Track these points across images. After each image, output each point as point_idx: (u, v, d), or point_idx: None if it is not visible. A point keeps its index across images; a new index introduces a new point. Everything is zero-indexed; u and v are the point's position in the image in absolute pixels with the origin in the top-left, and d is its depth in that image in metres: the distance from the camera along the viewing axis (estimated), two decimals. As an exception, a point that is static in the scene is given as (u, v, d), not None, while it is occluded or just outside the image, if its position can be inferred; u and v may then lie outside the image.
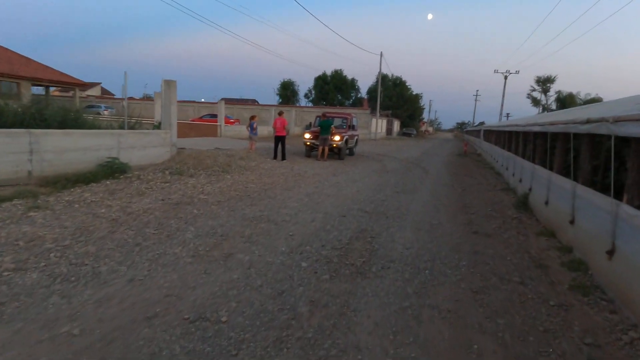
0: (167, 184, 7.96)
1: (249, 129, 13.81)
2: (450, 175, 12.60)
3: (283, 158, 13.48)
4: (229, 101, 59.62)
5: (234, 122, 31.87)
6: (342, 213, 6.48)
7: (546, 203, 6.16)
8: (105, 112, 31.46)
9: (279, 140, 13.54)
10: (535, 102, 69.12)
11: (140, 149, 9.77)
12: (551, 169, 6.21)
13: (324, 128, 14.34)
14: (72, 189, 6.81)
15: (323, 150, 14.52)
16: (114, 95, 65.07)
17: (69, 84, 28.89)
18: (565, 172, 5.79)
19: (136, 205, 6.09)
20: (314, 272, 4.00)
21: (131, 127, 10.50)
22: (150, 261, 3.99)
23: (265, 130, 24.87)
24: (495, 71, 41.88)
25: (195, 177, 9.00)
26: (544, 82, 67.25)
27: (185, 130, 23.82)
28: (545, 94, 67.76)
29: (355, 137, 17.31)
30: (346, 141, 15.30)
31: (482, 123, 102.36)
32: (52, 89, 32.47)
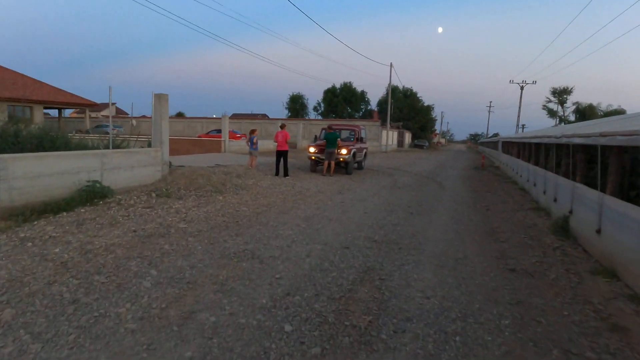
0: (149, 209, 6.98)
1: (249, 143, 12.87)
2: (470, 192, 11.38)
3: (285, 174, 12.47)
4: (237, 116, 59.76)
5: (240, 137, 31.19)
6: (345, 243, 5.37)
7: (598, 232, 4.96)
8: (114, 132, 31.24)
9: (281, 155, 12.55)
10: (552, 113, 67.29)
11: (127, 169, 8.87)
12: (603, 190, 5.01)
13: (329, 141, 13.33)
14: (36, 222, 5.86)
15: (329, 165, 13.48)
16: (127, 114, 66.05)
17: (80, 105, 28.76)
18: (624, 195, 4.61)
19: (101, 239, 5.09)
20: (301, 343, 2.89)
21: (117, 146, 9.65)
22: (80, 330, 2.93)
23: (271, 144, 24.04)
24: (511, 81, 40.66)
25: (183, 200, 8.03)
26: (560, 94, 65.57)
27: (188, 146, 23.14)
28: (562, 106, 66.10)
29: (364, 150, 16.25)
30: (354, 155, 14.24)
31: (496, 134, 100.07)
32: (70, 111, 32.59)
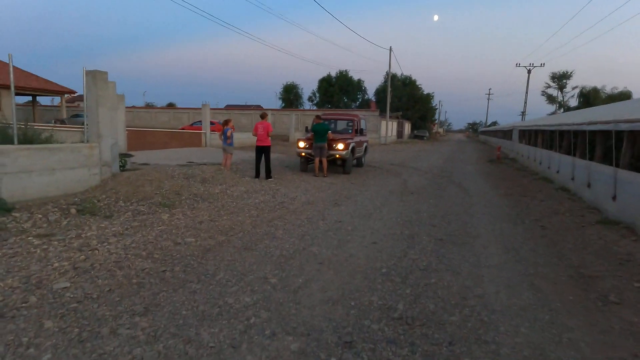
0: (44, 240, 4.48)
1: (222, 137, 10.32)
2: (502, 197, 8.92)
3: (268, 176, 9.96)
4: (231, 107, 56.88)
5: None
6: (345, 330, 2.88)
7: None
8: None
9: (262, 151, 10.03)
10: (551, 99, 65.16)
11: (43, 173, 6.37)
12: None
13: (318, 134, 10.81)
14: None
15: (320, 162, 10.98)
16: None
17: (55, 92, 25.82)
18: None
19: None
20: None
21: (28, 140, 7.07)
22: None
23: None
24: (518, 64, 38.08)
25: (112, 219, 5.54)
26: (560, 79, 63.44)
27: (166, 139, 20.50)
28: (562, 91, 64.15)
29: (364, 144, 13.73)
30: (352, 150, 11.74)
31: (494, 123, 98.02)
32: (58, 99, 29.34)
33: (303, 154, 11.54)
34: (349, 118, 13.22)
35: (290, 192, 8.39)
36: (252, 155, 15.51)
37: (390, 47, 33.32)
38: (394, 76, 52.66)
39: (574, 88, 62.35)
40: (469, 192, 9.38)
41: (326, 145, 10.97)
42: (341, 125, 12.97)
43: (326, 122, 11.67)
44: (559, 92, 64.10)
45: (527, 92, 37.80)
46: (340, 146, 11.17)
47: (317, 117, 11.26)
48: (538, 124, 14.54)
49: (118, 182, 7.47)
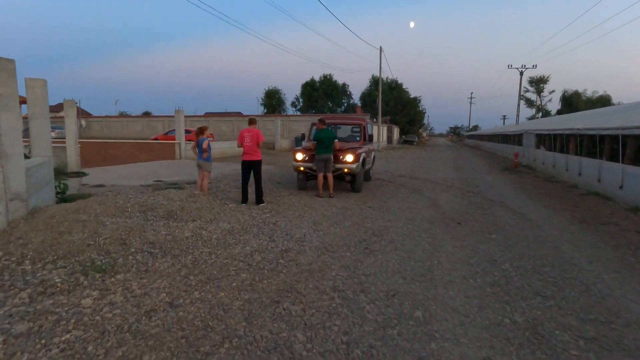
0: None
1: (196, 150, 7.75)
2: (577, 225, 6.70)
3: (259, 201, 7.47)
4: (210, 114, 53.57)
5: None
6: None
7: None
8: (52, 134, 25.24)
9: (250, 168, 7.55)
10: (530, 102, 65.47)
11: None
12: None
13: (322, 143, 8.43)
14: None
15: (324, 178, 8.58)
16: (91, 114, 58.81)
17: None
18: None
19: None
20: None
21: None
22: None
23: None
24: (510, 66, 36.77)
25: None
26: (537, 83, 63.88)
27: (133, 151, 17.64)
28: (539, 95, 64.73)
29: (372, 153, 11.39)
30: (363, 162, 9.38)
31: (476, 127, 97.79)
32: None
33: (302, 168, 9.09)
34: (355, 122, 10.85)
35: (293, 226, 5.92)
36: (236, 168, 12.99)
37: (381, 47, 31.40)
38: (379, 80, 51.05)
39: (550, 92, 63.48)
40: (527, 217, 7.11)
41: (332, 157, 8.57)
42: (345, 131, 10.59)
43: (331, 128, 9.29)
44: (537, 96, 64.58)
45: (520, 94, 36.52)
46: (350, 158, 8.78)
47: (320, 121, 8.84)
48: (564, 127, 12.52)
49: (34, 226, 4.84)
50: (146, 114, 58.84)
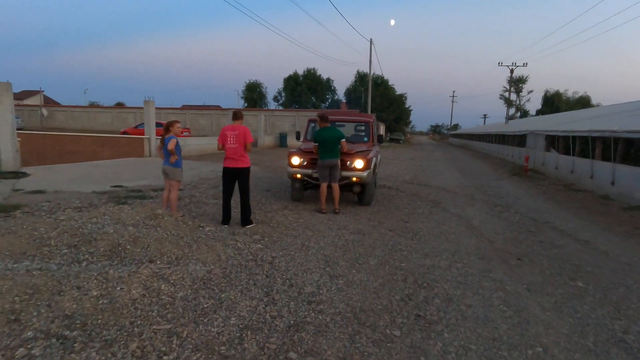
0: None
1: (162, 151, 5.76)
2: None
3: (245, 221, 5.59)
4: (187, 107, 50.34)
5: (182, 132, 23.50)
6: None
7: None
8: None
9: (234, 177, 5.64)
10: (509, 102, 66.02)
11: None
12: None
13: (326, 145, 6.63)
14: None
15: (329, 187, 6.78)
16: (59, 104, 54.56)
17: None
18: None
19: None
20: None
21: None
22: None
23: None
24: (500, 64, 35.78)
25: None
26: (517, 83, 64.36)
27: (94, 148, 15.25)
28: (518, 94, 65.29)
29: (379, 157, 9.63)
30: (374, 168, 7.63)
31: (456, 126, 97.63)
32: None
33: (299, 175, 7.22)
34: (362, 120, 9.05)
35: (297, 268, 4.09)
36: (216, 170, 11.01)
37: (371, 39, 29.71)
38: (364, 76, 49.44)
39: (529, 92, 64.38)
40: (596, 247, 5.50)
41: (339, 162, 6.75)
42: (348, 129, 8.76)
43: (334, 126, 7.45)
44: (517, 96, 65.05)
45: (509, 92, 35.70)
46: (360, 164, 6.97)
47: (322, 118, 6.97)
48: (590, 129, 11.11)
49: None
50: (119, 105, 55.01)
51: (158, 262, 3.91)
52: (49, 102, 54.95)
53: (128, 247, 4.09)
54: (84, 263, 3.66)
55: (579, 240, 5.85)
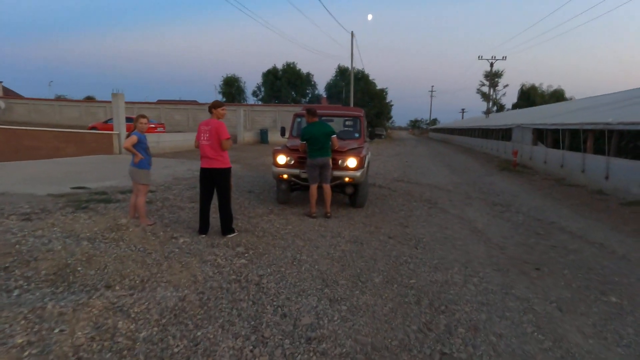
0: None
1: (130, 151, 4.93)
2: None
3: (226, 230, 4.84)
4: (162, 102, 48.33)
5: (155, 128, 22.24)
6: None
7: None
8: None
9: (211, 179, 4.86)
10: (485, 96, 67.11)
11: None
12: None
13: (315, 142, 5.97)
14: None
15: (319, 188, 6.11)
16: (21, 96, 51.35)
17: None
18: None
19: None
20: None
21: None
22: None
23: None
24: (480, 57, 35.96)
25: None
26: (492, 77, 65.49)
27: (56, 144, 14.03)
28: (494, 89, 66.43)
29: (369, 154, 9.00)
30: (367, 167, 7.00)
31: (434, 121, 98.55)
32: None
33: (285, 175, 6.50)
34: (352, 114, 8.41)
35: (290, 290, 3.40)
36: (192, 169, 10.12)
37: (352, 32, 29.09)
38: (345, 70, 48.84)
39: (505, 86, 65.54)
40: (615, 252, 5.04)
41: (330, 161, 6.08)
42: (337, 124, 8.09)
43: (323, 120, 6.75)
44: (493, 90, 66.15)
45: (490, 86, 35.86)
46: (352, 163, 6.32)
47: (310, 112, 6.27)
48: (581, 122, 10.84)
49: None
50: (88, 99, 52.26)
51: (117, 287, 3.14)
52: (9, 94, 51.65)
53: (79, 268, 3.30)
54: (15, 292, 2.86)
55: (592, 243, 5.39)
